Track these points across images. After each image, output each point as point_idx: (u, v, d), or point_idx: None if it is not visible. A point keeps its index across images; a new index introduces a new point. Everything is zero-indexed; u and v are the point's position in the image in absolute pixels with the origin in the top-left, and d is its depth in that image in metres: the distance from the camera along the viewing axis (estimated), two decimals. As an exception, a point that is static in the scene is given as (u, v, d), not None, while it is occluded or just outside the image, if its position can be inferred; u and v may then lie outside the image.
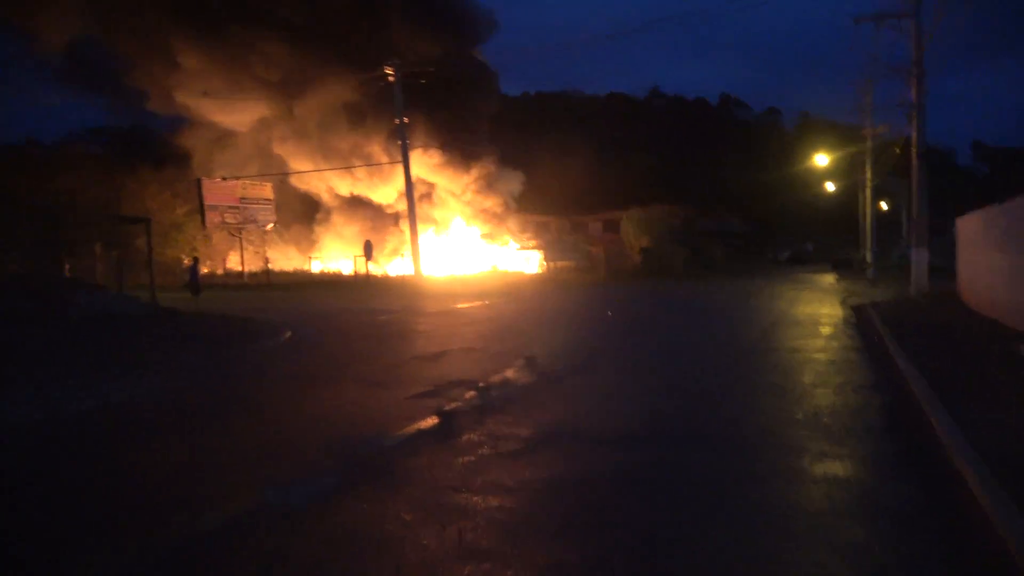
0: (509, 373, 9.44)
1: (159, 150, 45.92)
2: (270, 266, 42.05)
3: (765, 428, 6.49)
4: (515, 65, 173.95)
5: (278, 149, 38.91)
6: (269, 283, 33.65)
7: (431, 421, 6.73)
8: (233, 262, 43.08)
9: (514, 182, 44.66)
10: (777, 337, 13.74)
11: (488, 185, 41.34)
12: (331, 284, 32.15)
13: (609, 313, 19.12)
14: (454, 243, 42.70)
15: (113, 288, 20.08)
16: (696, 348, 12.33)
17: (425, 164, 38.40)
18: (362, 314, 19.46)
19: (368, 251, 30.70)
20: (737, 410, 7.29)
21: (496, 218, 49.80)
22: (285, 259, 43.89)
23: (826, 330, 14.67)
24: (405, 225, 43.68)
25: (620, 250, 40.40)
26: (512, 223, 53.64)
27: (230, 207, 35.81)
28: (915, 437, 6.16)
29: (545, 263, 35.62)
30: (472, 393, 8.07)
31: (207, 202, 34.89)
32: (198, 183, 34.82)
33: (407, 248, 42.16)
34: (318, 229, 45.93)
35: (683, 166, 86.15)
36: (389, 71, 28.33)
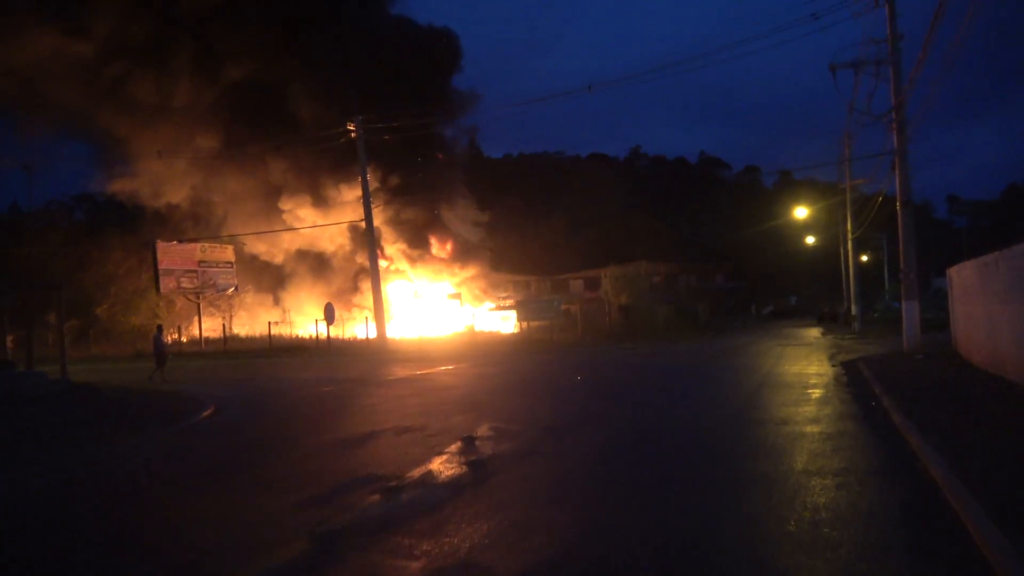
0: (436, 464, 7.71)
1: (135, 217, 44.39)
2: (236, 332, 40.11)
3: (747, 550, 4.81)
4: (496, 128, 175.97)
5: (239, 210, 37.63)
6: (226, 351, 31.77)
7: (294, 549, 4.97)
8: (224, 328, 41.11)
9: (477, 235, 43.54)
10: (763, 404, 12.11)
11: (464, 250, 40.17)
12: (292, 350, 30.34)
13: (578, 378, 17.44)
14: (426, 304, 41.10)
15: (25, 364, 18.12)
16: (670, 423, 10.64)
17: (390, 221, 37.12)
18: (307, 385, 17.68)
19: (329, 314, 29.01)
20: (711, 521, 5.59)
21: (472, 278, 48.41)
22: (255, 324, 41.94)
23: (817, 393, 13.06)
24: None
25: (599, 308, 38.91)
26: (488, 282, 52.24)
27: (187, 271, 34.05)
28: (952, 556, 4.51)
29: (519, 323, 33.95)
30: (376, 497, 6.33)
31: (162, 266, 33.15)
32: (152, 247, 33.16)
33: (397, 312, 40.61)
34: (284, 294, 44.27)
35: (665, 225, 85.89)
36: (351, 127, 27.21)
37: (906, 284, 19.45)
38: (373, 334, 35.75)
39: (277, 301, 41.76)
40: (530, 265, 73.94)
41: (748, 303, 74.10)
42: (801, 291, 77.49)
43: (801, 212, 38.37)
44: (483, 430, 9.90)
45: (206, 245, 34.86)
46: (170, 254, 33.54)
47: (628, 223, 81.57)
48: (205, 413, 12.74)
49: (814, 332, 40.28)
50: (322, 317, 29.57)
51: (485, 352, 27.53)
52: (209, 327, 40.45)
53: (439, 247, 39.35)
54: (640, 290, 39.21)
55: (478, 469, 7.44)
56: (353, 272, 39.24)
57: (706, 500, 6.14)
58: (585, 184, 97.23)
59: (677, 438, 9.03)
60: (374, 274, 28.85)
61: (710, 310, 58.34)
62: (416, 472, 7.29)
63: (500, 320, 41.99)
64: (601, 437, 9.24)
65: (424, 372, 19.99)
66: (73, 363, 20.59)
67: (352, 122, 27.22)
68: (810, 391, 13.53)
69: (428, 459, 7.92)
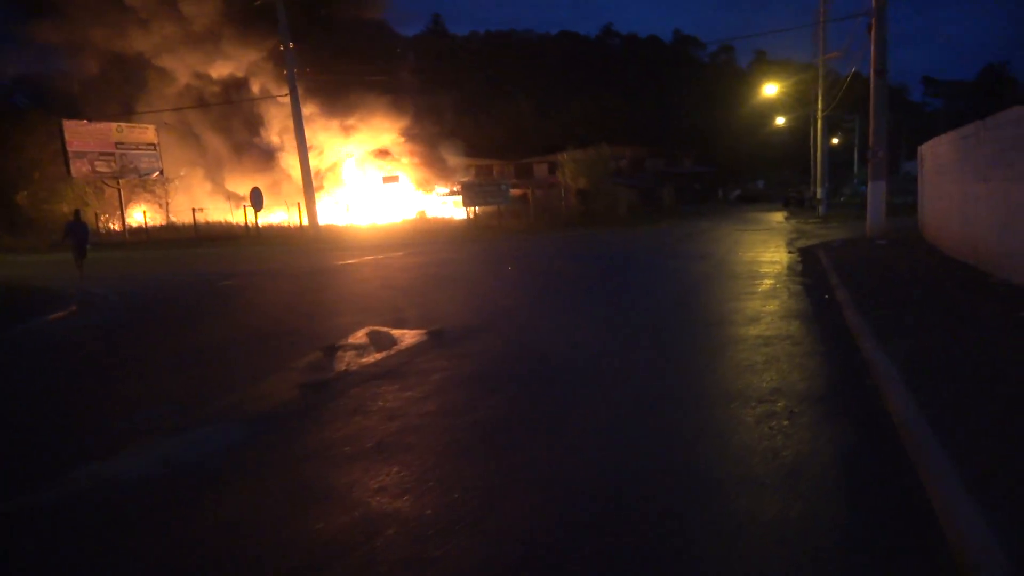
0: (263, 386, 6.03)
1: (64, 98, 40.47)
2: (173, 219, 37.54)
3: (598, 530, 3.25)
4: (464, 3, 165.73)
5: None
6: (150, 241, 29.47)
7: None
8: (144, 215, 38.35)
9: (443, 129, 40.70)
10: (700, 299, 10.57)
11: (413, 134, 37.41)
12: (219, 239, 28.16)
13: (509, 269, 15.75)
14: (375, 189, 38.73)
15: None
16: (579, 327, 9.03)
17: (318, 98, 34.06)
18: (207, 280, 15.80)
19: (256, 200, 26.70)
20: (593, 466, 4.01)
21: (422, 162, 45.84)
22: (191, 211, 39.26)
23: (765, 284, 11.53)
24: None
25: (556, 194, 36.90)
26: (447, 167, 49.70)
27: (103, 153, 30.96)
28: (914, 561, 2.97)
29: (468, 209, 31.91)
30: (147, 438, 4.64)
31: (72, 147, 29.99)
32: (59, 126, 29.93)
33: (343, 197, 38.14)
34: (226, 175, 41.35)
35: (636, 106, 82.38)
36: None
37: (873, 163, 17.72)
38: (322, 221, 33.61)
39: (217, 183, 38.92)
40: (494, 149, 70.87)
41: (716, 188, 72.54)
42: (770, 175, 75.97)
43: (771, 89, 35.92)
44: (359, 336, 8.22)
45: (122, 125, 31.61)
46: (81, 135, 30.31)
47: (597, 105, 78.00)
48: (55, 315, 10.87)
49: (778, 216, 39.04)
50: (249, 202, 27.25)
51: (427, 240, 25.70)
52: (151, 215, 37.90)
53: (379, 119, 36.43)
54: (600, 174, 37.07)
55: (318, 392, 5.78)
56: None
57: (589, 442, 4.55)
58: (554, 64, 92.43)
59: (576, 353, 7.41)
60: (302, 152, 26.26)
61: (677, 195, 56.67)
62: (226, 401, 5.61)
63: (453, 206, 39.95)
64: (495, 347, 7.61)
65: (347, 263, 18.17)
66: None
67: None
68: (758, 282, 12.00)
69: (261, 378, 6.24)
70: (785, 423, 4.62)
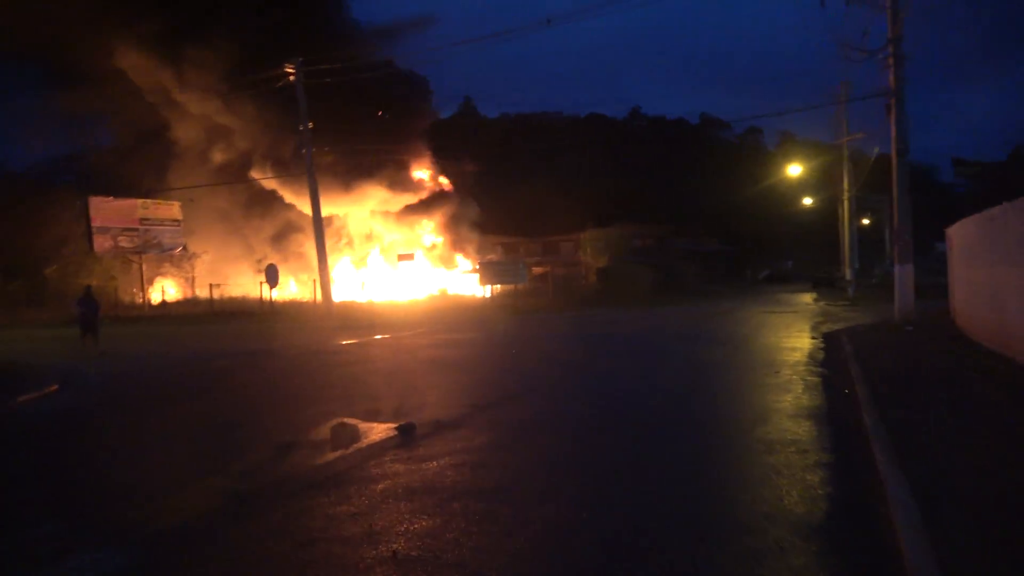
0: (181, 499, 5.33)
1: (100, 175, 41.70)
2: (199, 294, 37.69)
3: None
4: (493, 88, 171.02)
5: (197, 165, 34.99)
6: (165, 316, 29.42)
7: None
8: (162, 291, 38.60)
9: (467, 207, 40.85)
10: (706, 394, 9.74)
11: (427, 207, 37.56)
12: (233, 314, 27.96)
13: (513, 352, 15.03)
14: (405, 268, 38.63)
15: None
16: (572, 419, 8.27)
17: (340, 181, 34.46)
18: (204, 359, 15.32)
19: (271, 276, 26.58)
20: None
21: (453, 241, 45.91)
22: (223, 285, 39.41)
23: (782, 374, 10.65)
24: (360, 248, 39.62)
25: (577, 272, 36.41)
26: (471, 244, 49.73)
27: (126, 229, 31.42)
28: None
29: (485, 287, 31.45)
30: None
31: (95, 223, 30.50)
32: (84, 203, 30.53)
33: (364, 274, 38.11)
34: (252, 253, 41.69)
35: (663, 187, 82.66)
36: (290, 69, 24.35)
37: (899, 246, 16.90)
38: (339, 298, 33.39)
39: (241, 256, 39.16)
40: (520, 227, 71.15)
41: (743, 267, 71.65)
42: (798, 255, 74.94)
43: (795, 170, 35.51)
44: (322, 430, 7.53)
45: (147, 202, 32.19)
46: (105, 210, 30.86)
47: (622, 185, 78.35)
48: (26, 396, 10.37)
49: (806, 298, 38.01)
50: (270, 279, 27.09)
51: (441, 318, 25.16)
52: (175, 289, 38.22)
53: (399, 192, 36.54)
54: (621, 253, 36.60)
55: (241, 504, 5.06)
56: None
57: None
58: (581, 145, 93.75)
59: (549, 465, 6.62)
60: (317, 229, 26.21)
61: (701, 274, 55.93)
62: (132, 515, 4.92)
63: (476, 284, 39.65)
64: (462, 447, 6.85)
65: (350, 343, 17.63)
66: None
67: (291, 64, 24.36)
68: (776, 371, 11.13)
69: (189, 483, 5.55)
70: (773, 564, 3.78)
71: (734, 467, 5.80)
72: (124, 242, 31.48)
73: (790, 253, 76.79)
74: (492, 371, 12.35)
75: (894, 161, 17.08)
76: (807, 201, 49.22)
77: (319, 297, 27.19)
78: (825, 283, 46.52)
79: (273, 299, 28.27)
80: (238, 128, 33.59)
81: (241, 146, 33.76)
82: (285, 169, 33.67)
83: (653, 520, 4.59)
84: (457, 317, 25.75)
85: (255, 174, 34.02)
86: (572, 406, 8.93)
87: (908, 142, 16.72)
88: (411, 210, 39.37)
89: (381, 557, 4.09)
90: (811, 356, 13.11)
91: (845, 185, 32.02)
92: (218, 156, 34.55)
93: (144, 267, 37.37)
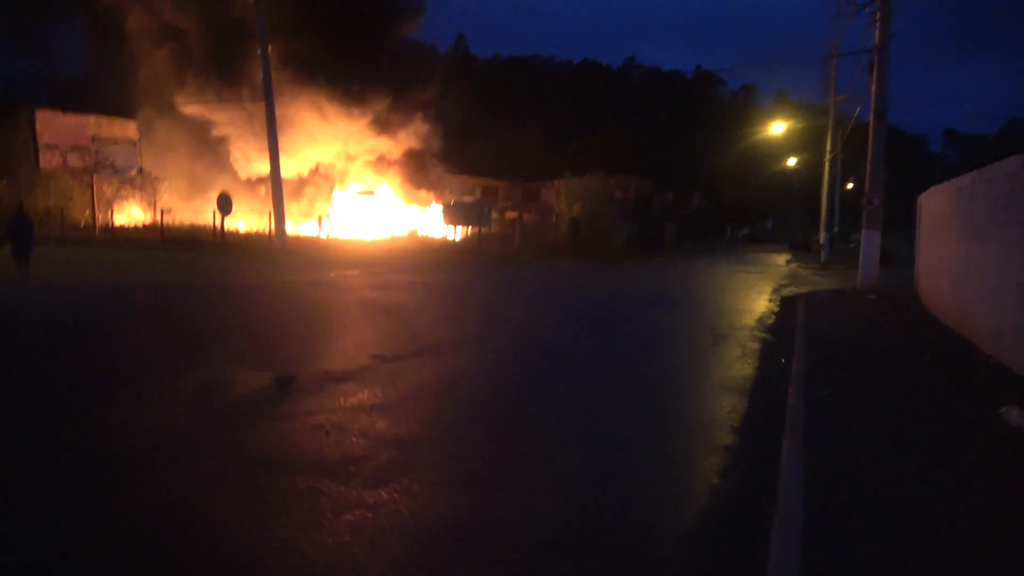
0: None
1: (63, 92, 39.72)
2: (164, 220, 36.36)
3: None
4: (487, 26, 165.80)
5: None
6: (113, 241, 28.21)
7: None
8: (129, 215, 37.14)
9: (437, 144, 39.42)
10: (635, 365, 9.10)
11: (398, 136, 36.12)
12: (184, 243, 26.82)
13: (458, 300, 14.29)
14: (367, 204, 37.40)
15: None
16: (469, 381, 7.61)
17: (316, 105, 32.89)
18: (130, 290, 14.44)
19: (224, 205, 25.43)
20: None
21: (429, 181, 44.62)
22: (191, 211, 37.99)
23: (723, 344, 10.03)
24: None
25: (548, 220, 35.49)
26: (449, 185, 48.47)
27: (77, 147, 29.88)
28: None
29: (453, 228, 30.46)
30: None
31: (43, 140, 28.92)
32: (31, 116, 28.90)
33: (326, 209, 36.86)
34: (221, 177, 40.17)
35: (651, 139, 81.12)
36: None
37: (868, 210, 16.19)
38: (313, 233, 32.33)
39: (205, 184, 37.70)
40: (503, 171, 69.63)
41: (724, 226, 71.05)
42: (782, 217, 74.41)
43: (778, 128, 34.45)
44: (193, 378, 6.79)
45: (100, 119, 30.58)
46: (54, 127, 29.21)
47: (612, 135, 76.71)
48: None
49: (780, 259, 37.60)
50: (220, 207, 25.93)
51: (397, 260, 24.26)
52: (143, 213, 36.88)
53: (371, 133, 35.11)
54: (596, 204, 35.64)
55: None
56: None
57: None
58: (572, 92, 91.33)
59: (424, 419, 5.94)
60: (273, 158, 24.91)
61: (682, 232, 55.22)
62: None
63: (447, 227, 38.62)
64: (358, 398, 6.14)
65: (290, 280, 16.77)
66: None
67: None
68: (721, 336, 10.51)
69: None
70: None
71: (620, 452, 5.13)
72: (74, 161, 29.94)
73: (774, 215, 76.12)
74: (426, 319, 11.61)
75: (872, 123, 16.23)
76: (791, 162, 48.28)
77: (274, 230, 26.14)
78: (802, 246, 46.09)
79: (227, 230, 27.15)
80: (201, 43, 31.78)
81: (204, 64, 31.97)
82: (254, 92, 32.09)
83: (500, 519, 3.91)
84: (417, 259, 24.87)
85: (207, 100, 32.32)
86: (485, 364, 8.23)
87: (888, 103, 15.85)
88: (384, 147, 37.95)
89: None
90: (761, 321, 12.51)
91: (828, 147, 31.12)
92: (188, 76, 32.73)
93: (104, 190, 35.92)
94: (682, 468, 4.75)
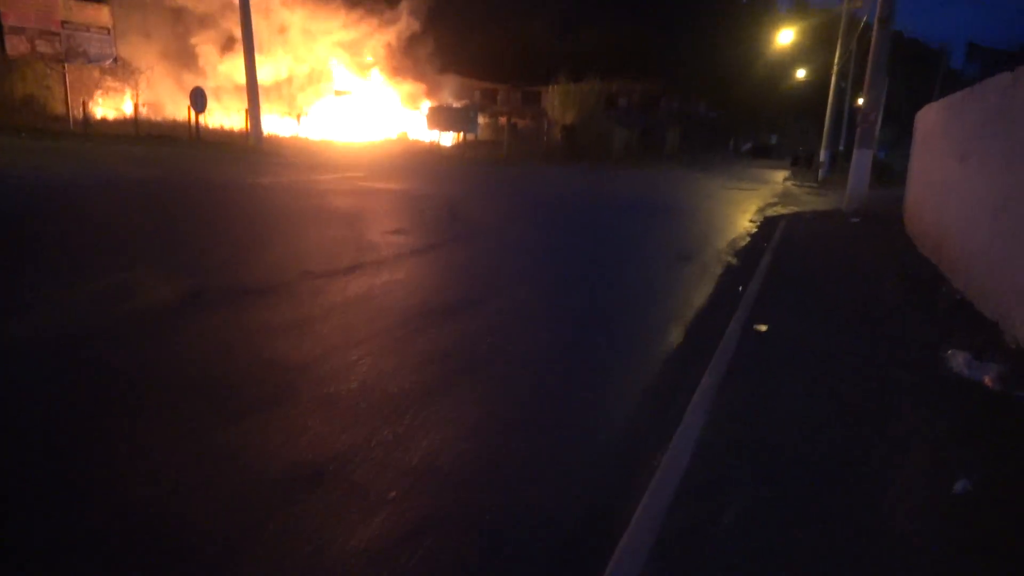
0: None
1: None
2: (146, 114, 35.20)
3: None
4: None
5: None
6: (86, 134, 27.26)
7: None
8: (112, 106, 35.84)
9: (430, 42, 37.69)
10: (584, 280, 8.66)
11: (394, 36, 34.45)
12: (159, 139, 25.91)
13: (425, 207, 13.74)
14: (353, 105, 36.14)
15: None
16: (397, 290, 7.19)
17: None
18: (75, 184, 13.85)
19: (198, 101, 24.43)
20: None
21: (423, 80, 43.09)
22: (174, 104, 36.68)
23: (686, 264, 9.59)
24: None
25: (540, 126, 34.35)
26: (447, 88, 46.93)
27: (45, 32, 28.40)
28: None
29: (439, 134, 29.45)
30: None
31: (7, 22, 27.45)
32: (-4, -4, 27.32)
33: (305, 108, 35.62)
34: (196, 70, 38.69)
35: (660, 39, 77.63)
36: None
37: (863, 127, 15.36)
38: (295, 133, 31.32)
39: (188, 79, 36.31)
40: (505, 71, 66.94)
41: (728, 136, 69.28)
42: (789, 130, 72.41)
43: (786, 36, 32.70)
44: (82, 290, 6.36)
45: (70, 1, 28.97)
46: (20, 7, 27.66)
47: (621, 33, 73.32)
48: None
49: (779, 176, 36.75)
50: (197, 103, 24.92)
51: (379, 164, 23.49)
52: (114, 107, 35.61)
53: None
54: (590, 109, 34.39)
55: None
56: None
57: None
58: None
59: (309, 343, 5.55)
60: (248, 52, 23.75)
61: (684, 141, 53.84)
62: None
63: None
64: (259, 318, 5.74)
65: (262, 180, 16.15)
66: None
67: None
68: (682, 259, 10.05)
69: None
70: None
71: (529, 386, 4.75)
72: (43, 47, 28.54)
73: (781, 127, 74.02)
74: (378, 229, 11.11)
75: (875, 30, 15.16)
76: (800, 73, 46.35)
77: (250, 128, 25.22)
78: (804, 162, 44.94)
79: (205, 126, 26.23)
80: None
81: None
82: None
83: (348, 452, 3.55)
84: (397, 164, 24.09)
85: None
86: (414, 278, 7.79)
87: (894, 7, 14.73)
88: (372, 44, 36.28)
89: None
90: (734, 243, 12.01)
91: (837, 56, 29.64)
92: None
93: (80, 79, 34.49)
94: (591, 411, 4.38)
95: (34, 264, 7.35)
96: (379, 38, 37.36)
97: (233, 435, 3.66)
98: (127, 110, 35.53)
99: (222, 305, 6.09)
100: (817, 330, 6.20)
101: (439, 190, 17.48)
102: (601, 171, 26.96)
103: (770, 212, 17.21)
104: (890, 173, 29.94)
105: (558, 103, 34.44)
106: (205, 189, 14.36)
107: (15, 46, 27.25)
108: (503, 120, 33.71)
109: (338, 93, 33.31)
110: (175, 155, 21.76)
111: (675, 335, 6.10)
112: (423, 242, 10.19)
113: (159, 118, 35.31)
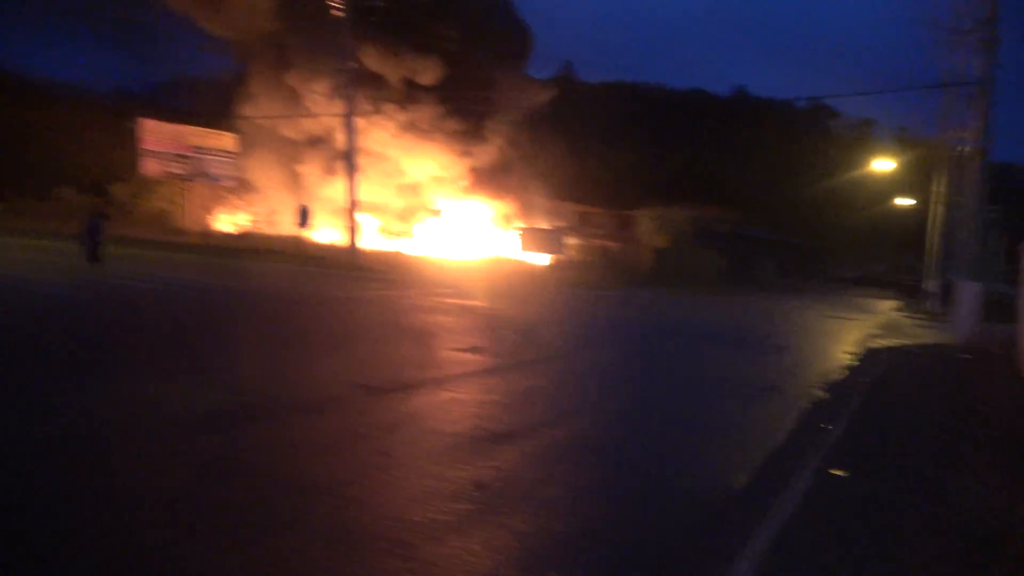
0: None
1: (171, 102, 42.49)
2: (261, 228, 37.80)
3: None
4: (594, 53, 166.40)
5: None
6: (193, 246, 29.33)
7: None
8: (229, 222, 38.93)
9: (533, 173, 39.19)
10: (650, 419, 8.18)
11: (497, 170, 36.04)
12: (263, 252, 27.58)
13: (497, 327, 13.66)
14: (453, 224, 37.48)
15: None
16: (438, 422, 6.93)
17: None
18: (174, 289, 14.69)
19: (303, 217, 26.02)
20: None
21: (520, 205, 44.42)
22: (283, 221, 39.43)
23: (763, 401, 8.93)
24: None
25: (634, 249, 34.43)
26: (541, 209, 48.11)
27: (178, 155, 31.52)
28: None
29: (525, 253, 29.95)
30: None
31: (146, 146, 30.70)
32: (134, 124, 30.72)
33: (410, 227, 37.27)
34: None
35: (754, 169, 78.00)
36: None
37: (961, 256, 14.41)
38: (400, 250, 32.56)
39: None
40: (599, 197, 68.46)
41: (817, 264, 67.56)
42: (892, 260, 69.72)
43: (884, 164, 31.95)
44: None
45: (200, 130, 32.22)
46: (158, 135, 30.96)
47: (714, 165, 74.23)
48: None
49: (886, 306, 34.90)
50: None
51: (460, 282, 23.89)
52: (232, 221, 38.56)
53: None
54: (687, 235, 34.29)
55: None
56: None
57: None
58: (680, 119, 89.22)
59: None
60: (350, 167, 25.23)
61: (780, 266, 52.64)
62: None
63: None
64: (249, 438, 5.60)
65: (344, 296, 16.66)
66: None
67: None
68: (767, 390, 9.38)
69: None
70: None
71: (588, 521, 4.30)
72: (174, 168, 31.61)
73: (887, 257, 71.36)
74: (454, 346, 11.03)
75: (976, 162, 14.51)
76: (904, 201, 44.92)
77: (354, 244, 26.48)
78: (910, 292, 42.73)
79: (308, 240, 27.83)
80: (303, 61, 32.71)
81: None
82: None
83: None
84: (489, 283, 24.45)
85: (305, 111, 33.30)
86: (465, 403, 7.53)
87: (991, 138, 14.12)
88: (473, 164, 37.88)
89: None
90: (828, 375, 11.18)
91: (935, 186, 28.58)
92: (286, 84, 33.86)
93: (205, 196, 37.68)
94: (640, 553, 3.90)
95: (46, 363, 7.60)
96: (473, 162, 39.12)
97: (235, 565, 3.42)
98: (243, 224, 38.32)
99: (263, 419, 6.01)
100: (889, 484, 5.46)
101: (523, 310, 17.47)
102: (691, 296, 26.46)
103: (875, 344, 16.12)
104: (1006, 308, 27.88)
105: (650, 227, 34.57)
106: (290, 302, 14.90)
107: (149, 167, 30.20)
108: (596, 242, 34.03)
109: (433, 213, 34.73)
110: (276, 269, 22.93)
111: (740, 479, 5.51)
112: (493, 362, 9.99)
113: (272, 231, 37.71)
